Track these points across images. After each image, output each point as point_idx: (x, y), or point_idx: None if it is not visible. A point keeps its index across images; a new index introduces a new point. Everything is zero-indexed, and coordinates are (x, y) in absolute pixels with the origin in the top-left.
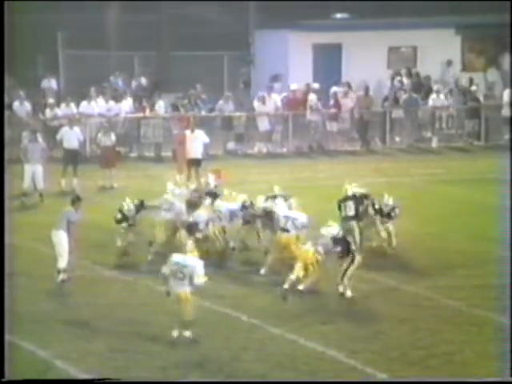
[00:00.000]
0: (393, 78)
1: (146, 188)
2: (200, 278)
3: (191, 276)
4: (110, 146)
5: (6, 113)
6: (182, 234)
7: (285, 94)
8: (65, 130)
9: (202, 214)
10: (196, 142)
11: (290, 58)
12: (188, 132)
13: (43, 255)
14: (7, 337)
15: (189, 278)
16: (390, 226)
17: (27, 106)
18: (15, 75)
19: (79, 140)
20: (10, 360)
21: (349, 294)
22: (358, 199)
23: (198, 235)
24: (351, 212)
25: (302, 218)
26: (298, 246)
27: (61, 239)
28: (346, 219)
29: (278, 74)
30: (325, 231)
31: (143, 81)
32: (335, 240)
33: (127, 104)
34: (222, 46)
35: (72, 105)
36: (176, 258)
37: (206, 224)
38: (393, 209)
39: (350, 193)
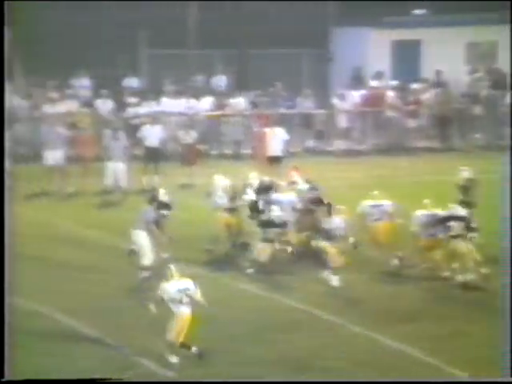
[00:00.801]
0: (472, 74)
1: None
2: (201, 296)
3: (193, 297)
4: (191, 144)
5: (89, 110)
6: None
7: (363, 91)
8: (146, 128)
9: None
10: (276, 140)
11: (369, 55)
12: (268, 129)
13: (124, 252)
14: (91, 332)
15: (191, 298)
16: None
17: (109, 104)
18: (97, 74)
19: (160, 138)
20: (89, 358)
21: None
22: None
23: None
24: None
25: (386, 204)
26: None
27: (141, 238)
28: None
29: (381, 70)
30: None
31: (223, 79)
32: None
33: (207, 102)
34: (301, 44)
35: (153, 103)
36: (173, 285)
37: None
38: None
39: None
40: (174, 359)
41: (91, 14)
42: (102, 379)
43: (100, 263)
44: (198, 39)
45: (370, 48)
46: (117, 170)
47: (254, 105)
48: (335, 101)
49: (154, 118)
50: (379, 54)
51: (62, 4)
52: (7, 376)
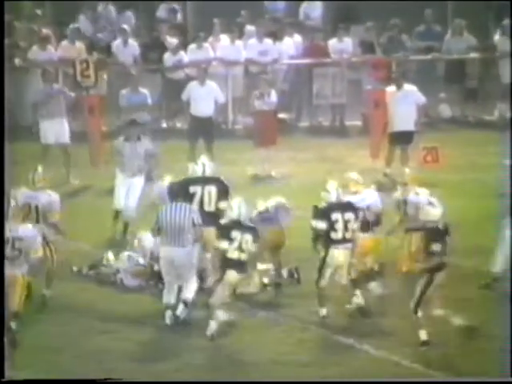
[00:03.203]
0: None
1: (322, 179)
2: (37, 253)
3: (27, 251)
4: (269, 112)
5: (101, 56)
6: None
7: None
8: (193, 86)
9: None
10: (404, 104)
11: None
12: (391, 88)
13: None
14: None
15: (25, 254)
16: None
17: (134, 46)
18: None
19: (217, 101)
20: None
21: None
22: None
23: None
24: None
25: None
26: None
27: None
28: None
29: None
30: None
31: (318, 6)
32: None
33: (291, 43)
34: None
35: (206, 46)
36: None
37: None
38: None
39: None
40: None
41: None
42: (101, 379)
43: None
44: None
45: None
46: (131, 188)
47: (368, 47)
48: (499, 38)
49: (205, 70)
50: None
51: None
52: (7, 376)
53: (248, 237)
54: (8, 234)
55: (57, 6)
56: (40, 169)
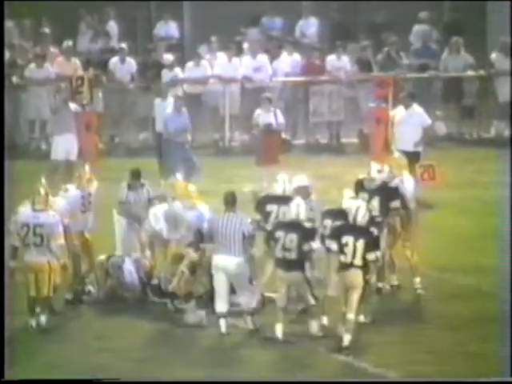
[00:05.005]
0: None
1: (319, 197)
2: (58, 240)
3: (49, 237)
4: (275, 131)
5: (97, 73)
6: None
7: None
8: (157, 102)
9: None
10: (409, 124)
11: None
12: (399, 108)
13: None
14: None
15: (47, 240)
16: None
17: (131, 64)
18: (113, 17)
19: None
20: None
21: None
22: None
23: None
24: None
25: None
26: None
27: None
28: None
29: None
30: None
31: (314, 23)
32: None
33: (288, 60)
34: None
35: (203, 63)
36: (23, 216)
37: None
38: None
39: None
40: (32, 322)
41: None
42: (101, 379)
43: None
44: None
45: None
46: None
47: (364, 64)
48: (496, 56)
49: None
50: None
51: None
52: (7, 376)
53: (292, 236)
54: (29, 220)
55: (58, 24)
56: (42, 190)
